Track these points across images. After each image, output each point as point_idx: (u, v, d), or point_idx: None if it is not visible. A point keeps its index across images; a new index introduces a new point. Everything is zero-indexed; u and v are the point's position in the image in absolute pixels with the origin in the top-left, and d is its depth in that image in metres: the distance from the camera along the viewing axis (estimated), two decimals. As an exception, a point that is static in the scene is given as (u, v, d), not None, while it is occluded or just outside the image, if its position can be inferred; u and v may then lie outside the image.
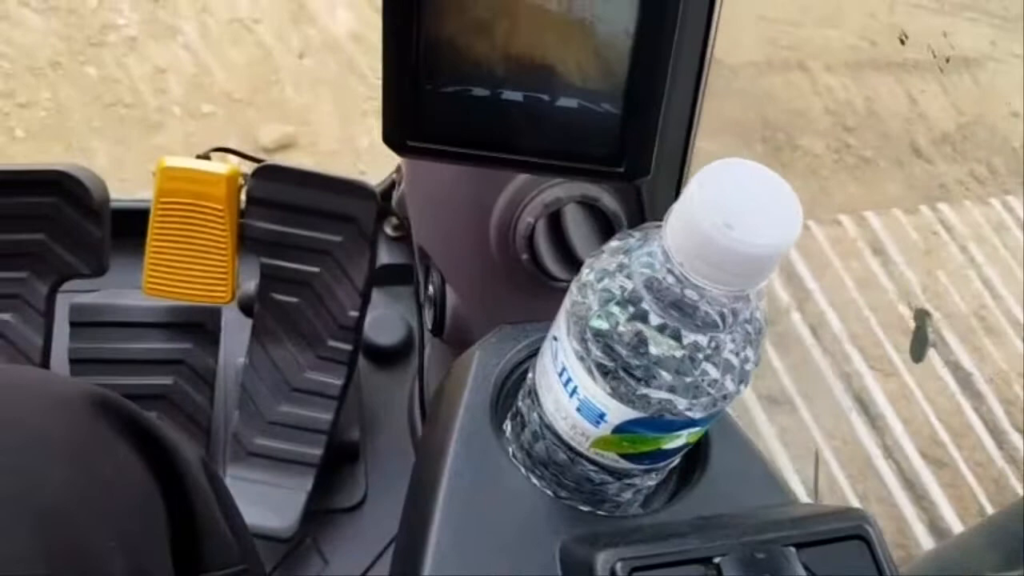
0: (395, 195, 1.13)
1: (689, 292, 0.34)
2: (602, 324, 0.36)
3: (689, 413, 0.37)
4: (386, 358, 1.12)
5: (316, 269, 0.94)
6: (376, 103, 2.52)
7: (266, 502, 0.93)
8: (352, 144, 2.43)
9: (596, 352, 0.36)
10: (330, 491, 0.98)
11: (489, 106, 0.48)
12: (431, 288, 0.80)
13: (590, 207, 0.66)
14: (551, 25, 0.46)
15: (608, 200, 0.66)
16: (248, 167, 0.96)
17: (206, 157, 0.95)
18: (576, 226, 0.66)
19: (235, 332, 0.99)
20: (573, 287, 0.39)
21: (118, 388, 0.96)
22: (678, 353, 0.35)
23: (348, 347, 0.95)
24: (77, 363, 0.95)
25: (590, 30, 0.46)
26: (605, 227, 0.67)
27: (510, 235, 0.68)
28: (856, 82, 2.99)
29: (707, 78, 0.67)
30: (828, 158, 2.73)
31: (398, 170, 0.89)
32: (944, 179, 2.78)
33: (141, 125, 2.38)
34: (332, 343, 0.95)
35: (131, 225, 0.98)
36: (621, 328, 0.35)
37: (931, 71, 3.14)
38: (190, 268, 0.92)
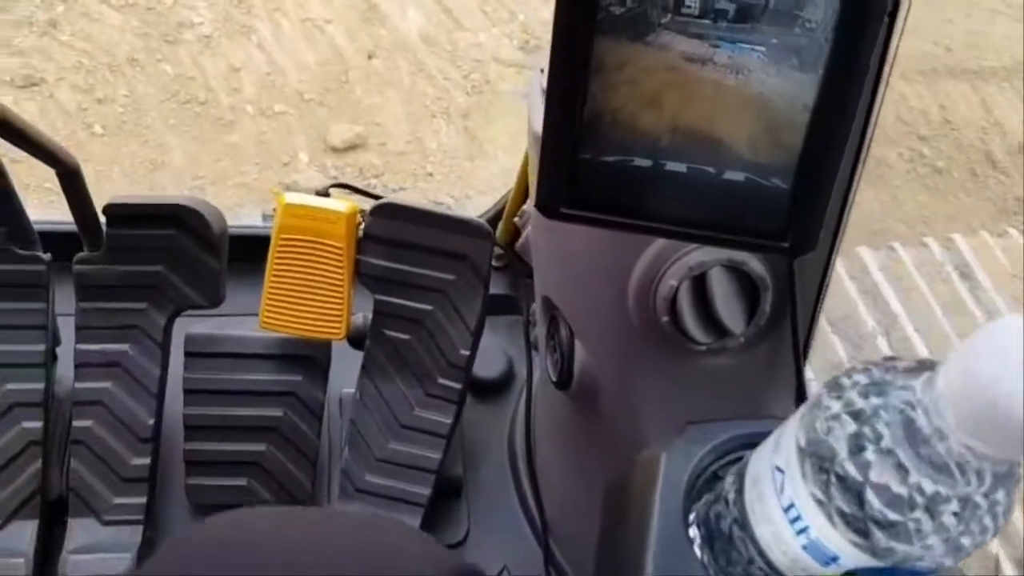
0: (500, 225, 1.12)
1: (956, 451, 0.33)
2: (854, 475, 0.34)
3: (931, 566, 0.35)
4: (486, 391, 1.11)
5: (429, 307, 0.93)
6: (444, 103, 2.51)
7: None
8: (421, 145, 2.43)
9: (840, 500, 0.35)
10: (433, 527, 0.98)
11: (650, 176, 0.47)
12: (558, 340, 0.79)
13: (735, 270, 0.65)
14: (725, 99, 0.45)
15: (755, 264, 0.65)
16: (360, 200, 0.96)
17: (325, 193, 0.95)
18: (721, 290, 0.65)
19: (341, 364, 0.99)
20: (813, 421, 0.37)
21: (230, 419, 0.97)
22: (935, 515, 0.33)
23: (458, 385, 0.95)
24: (191, 393, 0.96)
25: (766, 104, 0.45)
26: (750, 291, 0.66)
27: (650, 296, 0.67)
28: (930, 90, 2.91)
29: (870, 145, 0.65)
30: (900, 168, 2.66)
31: (521, 215, 0.88)
32: (1020, 191, 2.70)
33: (215, 123, 2.40)
34: (442, 381, 0.95)
35: (236, 250, 0.98)
36: (875, 481, 0.34)
37: (1008, 79, 3.04)
38: (307, 303, 0.92)
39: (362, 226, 0.92)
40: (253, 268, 0.96)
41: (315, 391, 0.97)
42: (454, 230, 0.91)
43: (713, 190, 0.47)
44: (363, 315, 0.98)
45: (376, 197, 0.95)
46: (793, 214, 0.47)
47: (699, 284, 0.65)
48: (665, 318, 0.66)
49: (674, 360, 0.70)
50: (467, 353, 0.93)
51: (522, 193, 1.05)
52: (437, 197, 2.36)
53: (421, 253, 0.92)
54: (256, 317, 1.17)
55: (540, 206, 0.49)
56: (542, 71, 0.74)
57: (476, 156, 2.43)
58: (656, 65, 0.44)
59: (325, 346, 0.97)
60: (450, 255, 0.92)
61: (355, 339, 0.97)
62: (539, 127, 0.72)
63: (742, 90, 0.45)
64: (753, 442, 0.43)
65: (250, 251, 0.98)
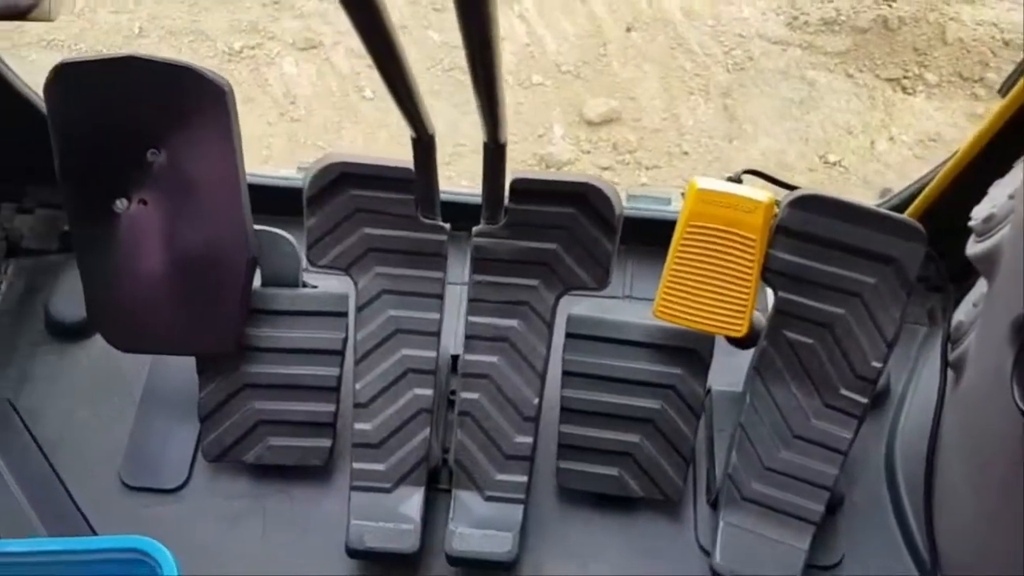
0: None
1: None
2: None
3: None
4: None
5: (840, 311, 0.86)
6: (703, 80, 2.41)
7: (760, 555, 0.88)
8: (677, 122, 2.35)
9: None
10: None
11: None
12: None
13: None
14: None
15: None
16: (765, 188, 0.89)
17: (737, 180, 0.89)
18: None
19: (719, 359, 0.94)
20: None
21: (607, 406, 0.95)
22: None
23: (863, 399, 0.87)
24: (570, 375, 0.94)
25: None
26: None
27: None
28: None
29: None
30: None
31: (988, 219, 0.77)
32: None
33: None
34: (845, 392, 0.87)
35: None
36: None
37: None
38: (708, 296, 0.88)
39: (776, 217, 0.86)
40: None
41: (695, 386, 0.93)
42: (882, 229, 0.83)
43: None
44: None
45: (789, 187, 0.88)
46: None
47: None
48: None
49: None
50: (879, 365, 0.86)
51: (946, 191, 0.95)
52: (692, 177, 2.27)
53: (840, 252, 0.85)
54: (619, 300, 1.15)
55: None
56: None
57: (735, 137, 2.32)
58: None
59: (708, 340, 0.92)
60: (873, 256, 0.84)
61: (744, 337, 0.91)
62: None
63: None
64: None
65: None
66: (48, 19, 0.70)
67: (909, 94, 2.34)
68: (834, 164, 2.25)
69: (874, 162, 2.25)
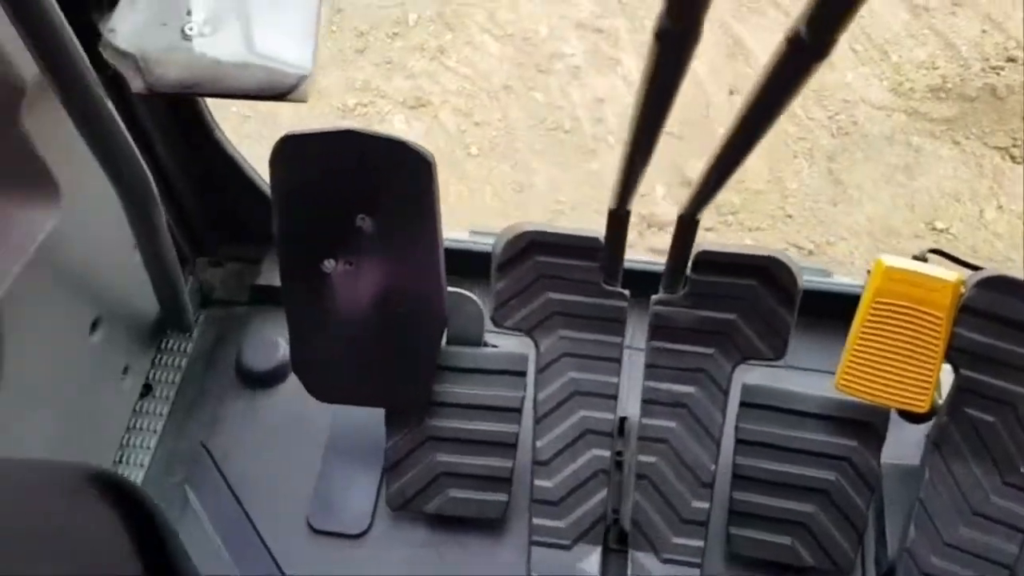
0: None
1: None
2: None
3: None
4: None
5: (1023, 391, 0.87)
6: (807, 144, 2.43)
7: None
8: (780, 185, 2.37)
9: None
10: None
11: None
12: None
13: None
14: None
15: None
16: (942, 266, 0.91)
17: (922, 259, 0.92)
18: None
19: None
20: None
21: (780, 475, 0.96)
22: None
23: None
24: (744, 443, 0.96)
25: None
26: None
27: None
28: None
29: None
30: None
31: None
32: None
33: (578, 151, 2.49)
34: None
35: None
36: None
37: None
38: (892, 371, 0.90)
39: (962, 297, 0.87)
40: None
41: (869, 459, 0.94)
42: None
43: None
44: None
45: (973, 267, 0.90)
46: None
47: None
48: None
49: None
50: None
51: None
52: (796, 241, 2.28)
53: None
54: (782, 369, 1.17)
55: None
56: None
57: (839, 201, 2.33)
58: None
59: (884, 414, 0.94)
60: None
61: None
62: None
63: None
64: None
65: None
66: (303, 100, 0.77)
67: (1018, 163, 2.33)
68: (942, 231, 2.24)
69: (982, 230, 2.23)
